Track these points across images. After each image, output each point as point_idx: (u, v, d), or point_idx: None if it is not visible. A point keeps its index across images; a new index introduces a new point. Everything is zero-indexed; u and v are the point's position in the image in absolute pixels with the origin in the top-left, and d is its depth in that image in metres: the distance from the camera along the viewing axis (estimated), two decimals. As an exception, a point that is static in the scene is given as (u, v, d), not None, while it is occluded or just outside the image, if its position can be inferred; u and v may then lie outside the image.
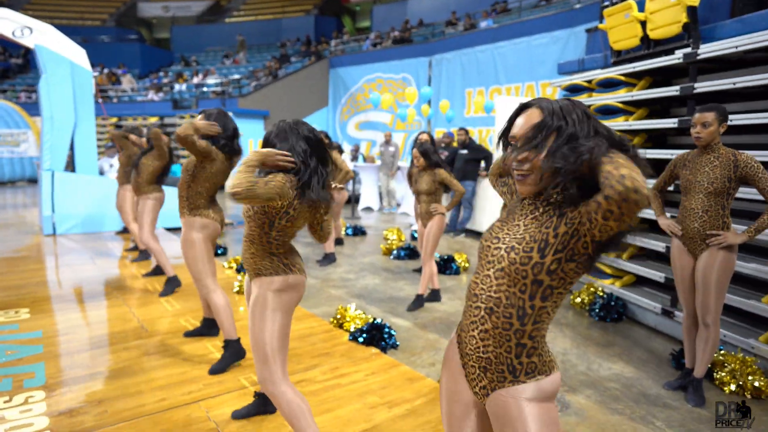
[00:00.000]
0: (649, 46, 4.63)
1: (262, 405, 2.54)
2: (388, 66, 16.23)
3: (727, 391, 3.00)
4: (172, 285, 4.51)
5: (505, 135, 1.32)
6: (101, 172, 9.45)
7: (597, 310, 4.33)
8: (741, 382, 2.98)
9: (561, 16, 11.79)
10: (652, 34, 4.48)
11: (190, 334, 3.57)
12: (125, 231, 7.31)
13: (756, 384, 2.96)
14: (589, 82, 4.95)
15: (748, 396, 2.95)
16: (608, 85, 4.70)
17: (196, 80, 18.74)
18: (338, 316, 3.85)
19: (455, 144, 8.56)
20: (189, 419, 2.50)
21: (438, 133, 14.10)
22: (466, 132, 8.21)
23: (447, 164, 8.16)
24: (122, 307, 4.16)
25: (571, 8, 11.68)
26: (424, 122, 14.69)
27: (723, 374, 3.06)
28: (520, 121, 1.26)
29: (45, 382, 2.82)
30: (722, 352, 3.22)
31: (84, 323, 3.79)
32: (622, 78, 4.48)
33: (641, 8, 4.58)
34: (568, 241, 1.16)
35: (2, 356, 3.14)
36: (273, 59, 18.51)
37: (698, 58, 3.72)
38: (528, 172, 1.21)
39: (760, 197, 3.09)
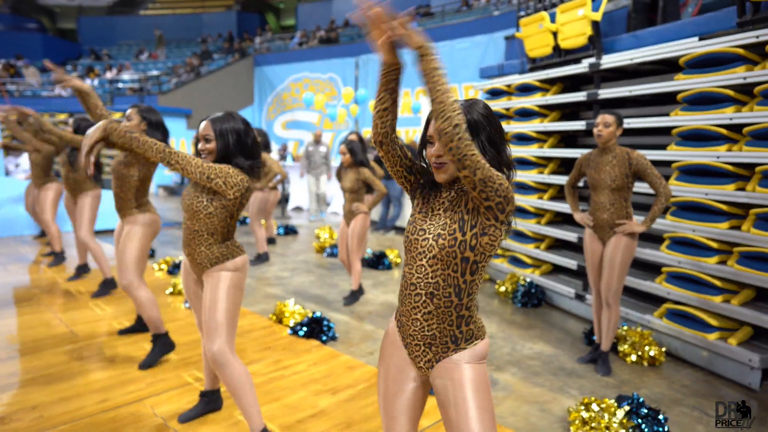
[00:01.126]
0: (560, 55, 5.07)
1: (210, 403, 2.56)
2: (314, 65, 16.23)
3: (629, 362, 3.43)
4: (108, 287, 4.38)
5: (424, 137, 1.48)
6: (6, 173, 8.79)
7: (519, 298, 4.70)
8: (640, 353, 3.41)
9: (481, 22, 12.41)
10: (563, 44, 4.92)
11: (125, 332, 3.57)
12: (42, 235, 6.87)
13: (652, 353, 3.40)
14: (509, 86, 5.35)
15: (646, 364, 3.39)
16: (525, 89, 5.10)
17: (109, 75, 17.70)
18: (277, 312, 3.92)
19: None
20: (134, 417, 2.50)
21: (366, 133, 14.31)
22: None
23: (377, 163, 8.42)
24: (45, 313, 3.97)
25: (490, 15, 12.32)
26: (351, 122, 14.86)
27: (625, 347, 3.48)
28: (434, 123, 1.42)
29: (-31, 392, 2.69)
30: (624, 328, 3.66)
31: (4, 331, 3.59)
32: (537, 83, 4.89)
33: (553, 20, 5.02)
34: (476, 217, 1.36)
35: None
36: (194, 55, 17.89)
37: (601, 68, 4.17)
38: (444, 162, 1.39)
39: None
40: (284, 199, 10.39)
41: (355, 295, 4.66)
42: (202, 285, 2.26)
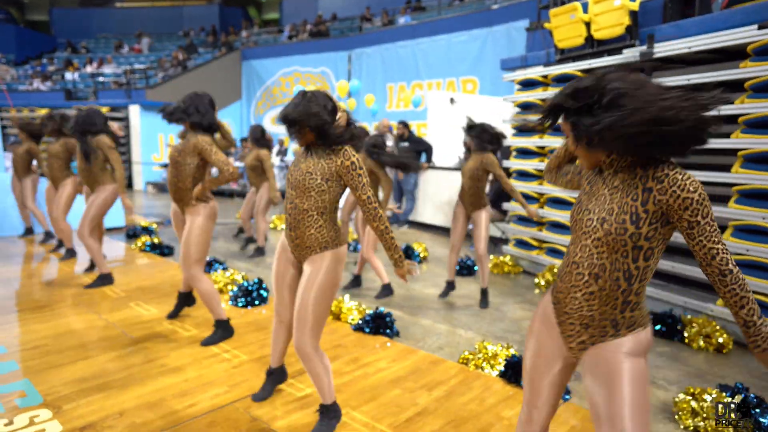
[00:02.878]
0: (592, 45, 5.06)
1: (278, 379, 2.62)
2: (305, 59, 15.96)
3: (695, 347, 3.44)
4: (103, 281, 4.42)
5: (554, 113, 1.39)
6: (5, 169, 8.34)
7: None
8: (708, 339, 3.42)
9: (478, 16, 12.38)
10: (597, 35, 4.90)
11: (171, 316, 3.70)
12: (28, 233, 6.52)
13: (720, 340, 3.41)
14: (545, 77, 5.30)
15: (711, 350, 3.40)
16: (564, 80, 5.07)
17: (90, 69, 17.06)
18: (334, 309, 3.79)
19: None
20: (232, 421, 2.35)
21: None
22: (406, 125, 8.38)
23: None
24: (88, 314, 3.75)
25: (488, 9, 12.29)
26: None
27: (692, 331, 3.49)
28: None
29: (44, 400, 2.49)
30: (688, 317, 3.66)
31: (50, 334, 3.36)
32: (579, 74, 4.86)
33: (585, 10, 4.99)
34: (660, 217, 1.28)
35: (-28, 377, 2.72)
36: (180, 49, 17.39)
37: (654, 56, 4.16)
38: None
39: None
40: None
41: (388, 289, 4.52)
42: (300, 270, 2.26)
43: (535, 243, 5.39)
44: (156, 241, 6.04)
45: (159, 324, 3.58)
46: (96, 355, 3.03)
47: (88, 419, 2.33)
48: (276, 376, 2.59)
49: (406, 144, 8.17)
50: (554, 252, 5.18)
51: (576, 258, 1.38)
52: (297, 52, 16.19)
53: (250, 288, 4.10)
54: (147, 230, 6.86)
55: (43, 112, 14.74)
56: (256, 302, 4.04)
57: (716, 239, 1.26)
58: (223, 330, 3.29)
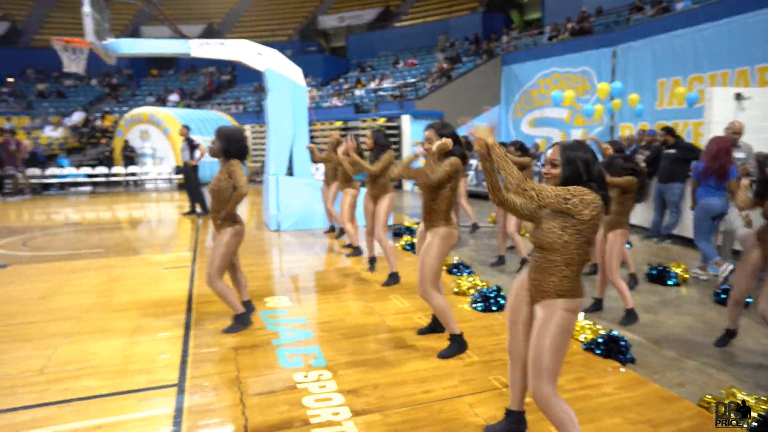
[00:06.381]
0: None
1: (513, 423, 2.52)
2: (565, 60, 15.50)
3: None
4: (394, 278, 5.11)
5: None
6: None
7: None
8: None
9: (788, -13, 10.12)
10: None
11: (423, 332, 3.90)
12: (331, 230, 8.09)
13: None
14: None
15: None
16: None
17: (373, 85, 19.98)
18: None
19: (657, 142, 7.92)
20: (457, 413, 2.77)
21: (623, 129, 13.12)
22: (670, 131, 7.57)
23: (649, 164, 7.66)
24: (358, 301, 4.70)
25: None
26: (607, 118, 13.82)
27: None
28: None
29: (327, 364, 3.35)
30: None
31: (334, 313, 4.37)
32: None
33: None
34: None
35: (285, 337, 3.81)
36: (445, 60, 18.90)
37: None
38: None
39: None
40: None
41: (633, 315, 4.26)
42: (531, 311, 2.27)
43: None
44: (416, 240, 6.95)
45: (409, 317, 4.26)
46: (361, 336, 3.86)
47: (352, 386, 3.06)
48: (513, 419, 2.52)
49: (672, 151, 7.37)
50: None
51: None
52: (556, 53, 15.85)
53: (488, 294, 4.49)
54: (409, 230, 7.89)
55: (338, 124, 17.98)
56: (493, 308, 4.40)
57: None
58: (458, 344, 3.49)
